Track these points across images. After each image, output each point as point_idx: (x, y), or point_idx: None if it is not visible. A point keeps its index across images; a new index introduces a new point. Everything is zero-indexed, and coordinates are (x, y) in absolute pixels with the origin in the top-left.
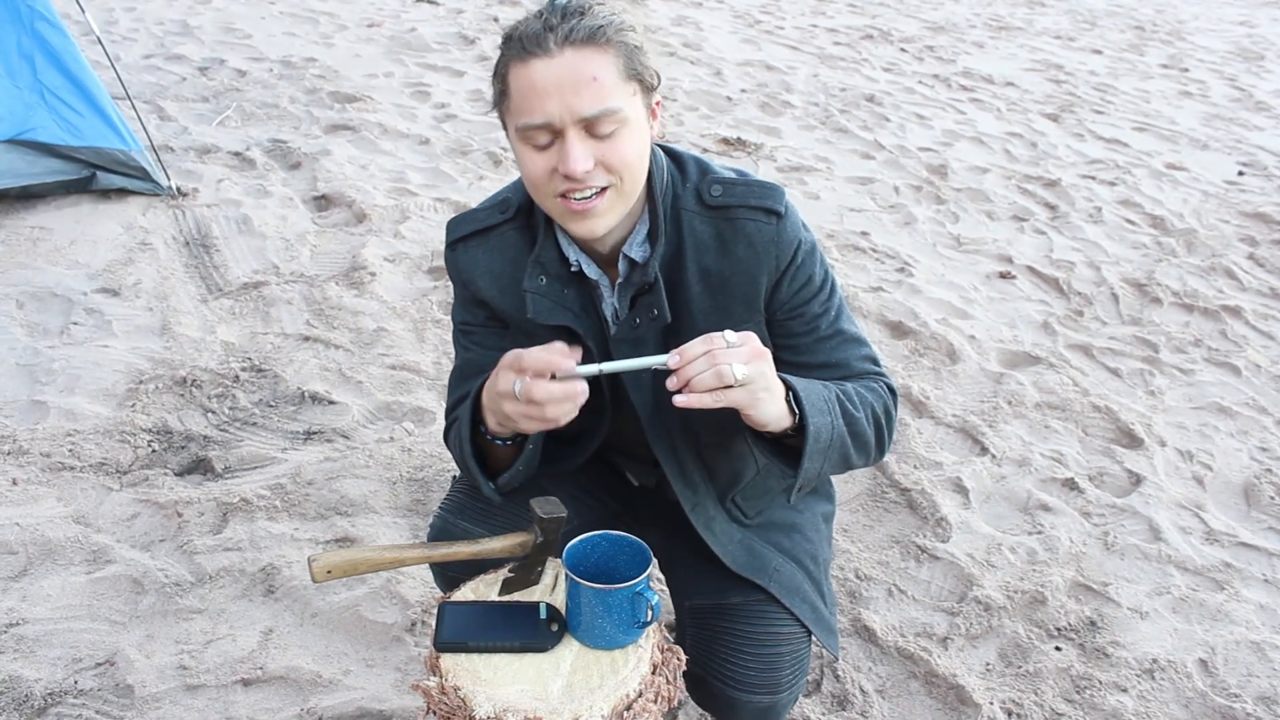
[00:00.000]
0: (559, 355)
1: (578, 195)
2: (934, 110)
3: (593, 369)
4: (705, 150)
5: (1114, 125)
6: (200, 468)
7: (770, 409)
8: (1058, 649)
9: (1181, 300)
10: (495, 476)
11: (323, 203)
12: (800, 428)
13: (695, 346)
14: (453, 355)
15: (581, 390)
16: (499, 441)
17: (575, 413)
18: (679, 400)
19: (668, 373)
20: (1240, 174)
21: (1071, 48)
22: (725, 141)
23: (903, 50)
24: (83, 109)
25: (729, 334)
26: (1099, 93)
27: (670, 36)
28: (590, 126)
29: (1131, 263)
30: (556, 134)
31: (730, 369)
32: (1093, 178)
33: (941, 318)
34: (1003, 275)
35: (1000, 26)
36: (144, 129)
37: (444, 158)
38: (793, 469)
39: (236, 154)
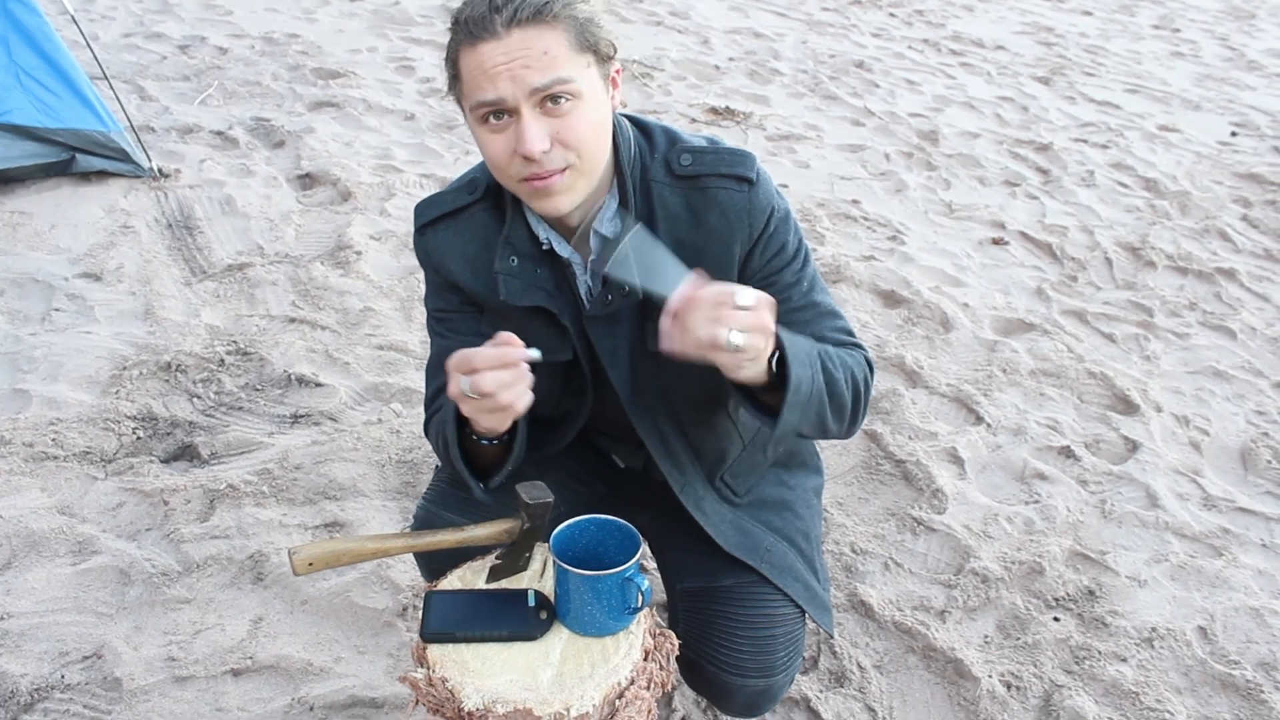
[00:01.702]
0: (508, 346)
1: (538, 177)
2: (924, 75)
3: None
4: (694, 120)
5: (1105, 87)
6: (186, 454)
7: (749, 373)
8: (1056, 619)
9: (1176, 263)
10: (484, 474)
11: (307, 181)
12: (781, 379)
13: (710, 293)
14: None
15: (524, 369)
16: (485, 441)
17: (528, 392)
18: (664, 345)
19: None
20: (1233, 134)
21: (1061, 9)
22: (714, 111)
23: (891, 15)
24: (59, 90)
25: (744, 294)
26: (1090, 55)
27: (657, 5)
28: (544, 101)
29: (1125, 226)
30: (511, 112)
31: (728, 336)
32: (1085, 141)
33: (934, 286)
34: (995, 241)
35: None
36: (123, 109)
37: (429, 133)
38: (769, 420)
39: (219, 133)
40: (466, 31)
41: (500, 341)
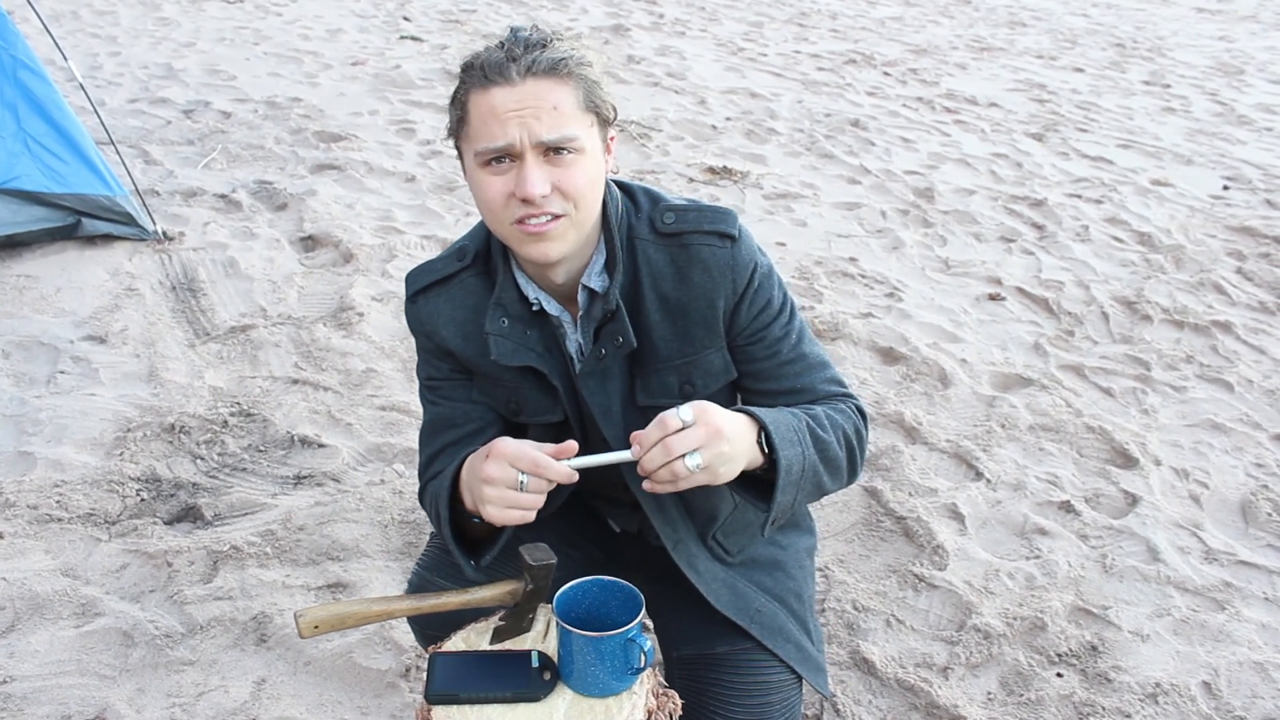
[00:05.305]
0: (565, 455)
1: (533, 220)
2: (919, 133)
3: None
4: (691, 180)
5: (1098, 143)
6: (190, 516)
7: (733, 470)
8: (1059, 675)
9: (1171, 317)
10: (473, 547)
11: (309, 243)
12: (772, 462)
13: (651, 433)
14: None
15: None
16: (474, 519)
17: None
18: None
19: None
20: (1225, 188)
21: (1054, 67)
22: (711, 170)
23: (886, 74)
24: (66, 156)
25: (683, 411)
26: (1082, 111)
27: (654, 66)
28: (548, 152)
29: (1120, 280)
30: (514, 158)
31: (684, 464)
32: (1079, 196)
33: (932, 342)
34: (992, 297)
35: (982, 48)
36: (129, 174)
37: (430, 194)
38: (765, 502)
39: (222, 196)
40: (481, 75)
41: (559, 450)
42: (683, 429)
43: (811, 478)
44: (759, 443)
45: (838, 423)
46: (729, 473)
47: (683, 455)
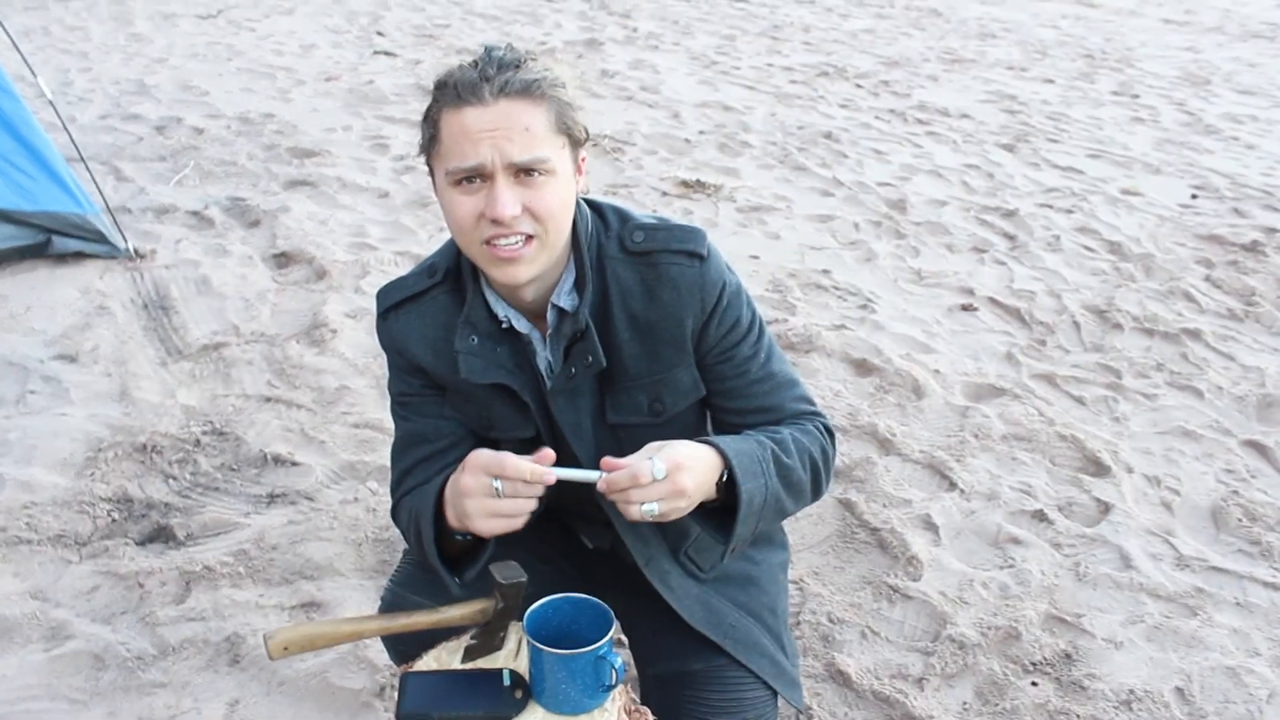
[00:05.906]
0: (542, 464)
1: (503, 241)
2: (891, 145)
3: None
4: (665, 194)
5: (1069, 153)
6: (162, 536)
7: (682, 513)
8: (1034, 684)
9: (1142, 325)
10: (453, 563)
11: (282, 260)
12: (731, 494)
13: (620, 479)
14: None
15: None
16: (456, 536)
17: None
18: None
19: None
20: (1194, 197)
21: (1024, 78)
22: (684, 184)
23: (858, 86)
24: (35, 173)
25: (656, 467)
26: (1053, 121)
27: (627, 80)
28: (519, 173)
29: (1091, 289)
30: (485, 178)
31: (638, 509)
32: (1050, 206)
33: (905, 353)
34: (965, 308)
35: (953, 59)
36: (99, 191)
37: (404, 210)
38: (723, 533)
39: (195, 213)
40: (454, 94)
41: (539, 457)
42: (651, 484)
43: (773, 505)
44: (719, 482)
45: (804, 445)
46: (677, 515)
47: (639, 505)
